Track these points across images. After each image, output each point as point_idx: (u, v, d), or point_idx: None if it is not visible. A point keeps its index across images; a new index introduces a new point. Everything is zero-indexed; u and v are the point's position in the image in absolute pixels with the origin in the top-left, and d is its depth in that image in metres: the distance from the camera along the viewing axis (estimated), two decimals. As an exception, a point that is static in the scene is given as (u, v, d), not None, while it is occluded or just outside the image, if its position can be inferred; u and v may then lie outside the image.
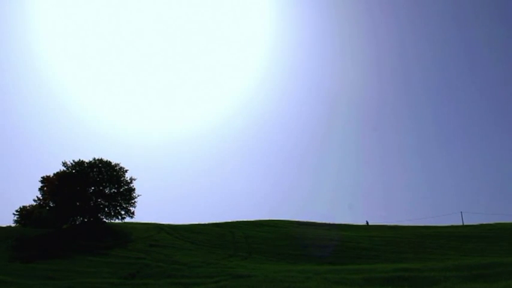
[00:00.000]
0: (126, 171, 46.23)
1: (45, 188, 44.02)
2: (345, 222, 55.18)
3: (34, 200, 45.24)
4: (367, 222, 54.97)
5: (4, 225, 47.22)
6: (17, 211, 48.63)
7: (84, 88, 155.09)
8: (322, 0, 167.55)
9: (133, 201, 45.37)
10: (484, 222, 49.07)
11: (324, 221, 53.99)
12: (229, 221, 50.50)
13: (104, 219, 44.93)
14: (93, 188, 44.73)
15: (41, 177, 44.59)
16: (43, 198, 44.44)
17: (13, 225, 48.17)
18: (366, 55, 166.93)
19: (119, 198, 44.96)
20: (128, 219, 45.66)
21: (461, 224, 55.19)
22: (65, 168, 44.40)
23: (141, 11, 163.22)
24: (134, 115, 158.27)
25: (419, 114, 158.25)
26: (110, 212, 44.68)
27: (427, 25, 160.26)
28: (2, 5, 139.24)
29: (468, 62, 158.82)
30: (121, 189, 45.32)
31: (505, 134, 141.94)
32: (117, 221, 45.38)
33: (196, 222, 49.41)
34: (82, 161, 45.21)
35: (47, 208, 45.00)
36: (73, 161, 44.96)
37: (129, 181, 45.81)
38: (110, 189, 45.30)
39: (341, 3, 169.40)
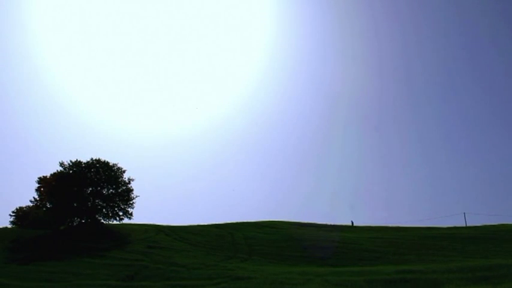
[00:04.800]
0: (124, 171, 46.02)
1: (42, 189, 43.70)
2: (346, 223, 55.11)
3: (31, 201, 45.01)
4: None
5: (0, 227, 46.93)
6: (13, 212, 48.37)
7: (82, 87, 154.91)
8: None
9: (131, 202, 45.11)
10: (488, 224, 49.07)
11: (324, 222, 53.87)
12: (229, 222, 50.23)
13: (102, 221, 44.63)
14: (90, 188, 44.43)
15: (38, 178, 44.34)
16: (40, 199, 44.14)
17: (9, 226, 47.87)
18: (367, 54, 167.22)
19: (117, 199, 44.67)
20: (126, 221, 45.41)
21: (464, 225, 55.08)
22: (62, 169, 44.15)
23: (140, 10, 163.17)
24: (132, 115, 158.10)
25: (421, 113, 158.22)
26: (107, 213, 44.41)
27: (429, 23, 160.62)
28: (1, 4, 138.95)
29: (471, 61, 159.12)
30: (119, 190, 45.04)
31: (508, 134, 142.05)
32: (115, 222, 45.13)
33: (196, 223, 49.22)
34: (79, 161, 44.95)
35: (44, 209, 44.71)
36: (70, 161, 44.76)
37: (127, 182, 45.56)
38: (108, 190, 45.00)
39: (342, 2, 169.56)
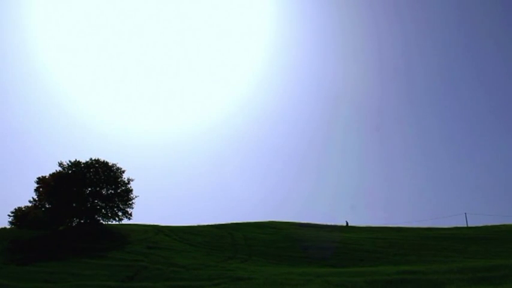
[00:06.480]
0: (124, 171, 45.81)
1: (40, 189, 43.49)
2: (342, 224, 54.86)
3: (30, 201, 44.74)
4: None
5: (-1, 227, 46.65)
6: (12, 212, 48.04)
7: (81, 87, 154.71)
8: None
9: (130, 202, 44.92)
10: (489, 224, 48.91)
11: (325, 223, 53.73)
12: (229, 222, 50.10)
13: (101, 221, 44.47)
14: (89, 188, 44.24)
15: (37, 178, 44.11)
16: (39, 199, 43.91)
17: (8, 226, 47.59)
18: (368, 54, 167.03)
19: (116, 199, 44.49)
20: (125, 221, 45.23)
21: (465, 225, 54.88)
22: (61, 169, 43.94)
23: (139, 9, 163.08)
24: (132, 115, 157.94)
25: (422, 114, 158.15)
26: (107, 214, 44.23)
27: (431, 23, 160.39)
28: (0, 4, 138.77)
29: (472, 61, 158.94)
30: (118, 190, 44.85)
31: (509, 133, 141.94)
32: (114, 222, 44.94)
33: (195, 224, 49.05)
34: (78, 161, 44.74)
35: (43, 209, 44.47)
36: (69, 161, 44.52)
37: (127, 182, 45.35)
38: (107, 190, 44.82)
39: (343, 1, 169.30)
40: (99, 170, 44.79)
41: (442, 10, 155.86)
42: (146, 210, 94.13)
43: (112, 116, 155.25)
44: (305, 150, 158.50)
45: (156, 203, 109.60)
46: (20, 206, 48.73)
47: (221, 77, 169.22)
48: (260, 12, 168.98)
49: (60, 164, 44.16)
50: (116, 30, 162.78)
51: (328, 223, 53.77)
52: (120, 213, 44.47)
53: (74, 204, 43.01)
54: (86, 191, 43.96)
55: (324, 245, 33.54)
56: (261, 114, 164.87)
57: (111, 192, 44.81)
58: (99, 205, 44.30)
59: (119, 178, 45.14)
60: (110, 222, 44.91)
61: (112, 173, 44.99)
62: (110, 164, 45.47)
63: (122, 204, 44.63)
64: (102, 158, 45.68)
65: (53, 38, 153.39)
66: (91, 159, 45.28)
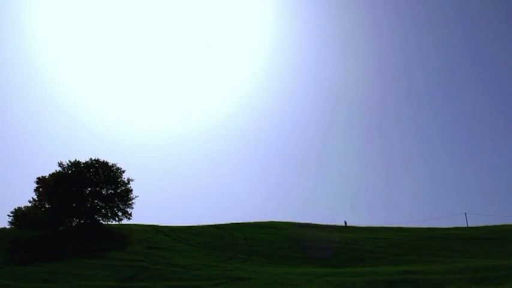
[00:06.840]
0: (123, 171, 45.85)
1: (40, 189, 43.58)
2: (340, 224, 54.84)
3: (29, 201, 44.86)
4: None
5: (-1, 227, 46.64)
6: (12, 212, 48.08)
7: (81, 87, 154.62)
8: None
9: (130, 202, 44.98)
10: (489, 224, 48.88)
11: (325, 223, 53.70)
12: (229, 222, 50.06)
13: (101, 221, 44.46)
14: (89, 189, 44.30)
15: (37, 178, 44.20)
16: (38, 200, 44.03)
17: (8, 226, 47.62)
18: (368, 53, 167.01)
19: (116, 200, 44.53)
20: (125, 221, 45.24)
21: (465, 225, 54.91)
22: (60, 169, 43.98)
23: (140, 9, 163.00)
24: (132, 115, 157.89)
25: (422, 113, 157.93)
26: (106, 214, 44.26)
27: (431, 23, 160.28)
28: (0, 4, 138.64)
29: (472, 61, 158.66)
30: (118, 190, 44.89)
31: (510, 133, 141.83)
32: (114, 222, 44.95)
33: (195, 224, 49.00)
34: (78, 161, 44.77)
35: (43, 209, 44.51)
36: (69, 161, 44.57)
37: (127, 182, 45.41)
38: (107, 190, 44.85)
39: (343, 1, 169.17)
40: (99, 170, 44.80)
41: (442, 10, 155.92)
42: (146, 210, 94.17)
43: (112, 116, 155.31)
44: (305, 150, 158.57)
45: (156, 203, 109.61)
46: (20, 206, 48.86)
47: (221, 76, 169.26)
48: (260, 12, 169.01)
49: (60, 164, 44.19)
50: (115, 30, 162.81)
51: (328, 223, 53.82)
52: (120, 213, 44.51)
53: (74, 204, 43.03)
54: (85, 191, 43.97)
55: (324, 245, 33.46)
56: (261, 114, 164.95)
57: (111, 192, 44.83)
58: (99, 205, 44.32)
59: (118, 178, 45.16)
60: (109, 223, 44.91)
61: (112, 173, 45.01)
62: (109, 164, 45.49)
63: (121, 204, 44.66)
64: (102, 158, 45.86)
65: (53, 38, 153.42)
66: (91, 159, 45.34)
